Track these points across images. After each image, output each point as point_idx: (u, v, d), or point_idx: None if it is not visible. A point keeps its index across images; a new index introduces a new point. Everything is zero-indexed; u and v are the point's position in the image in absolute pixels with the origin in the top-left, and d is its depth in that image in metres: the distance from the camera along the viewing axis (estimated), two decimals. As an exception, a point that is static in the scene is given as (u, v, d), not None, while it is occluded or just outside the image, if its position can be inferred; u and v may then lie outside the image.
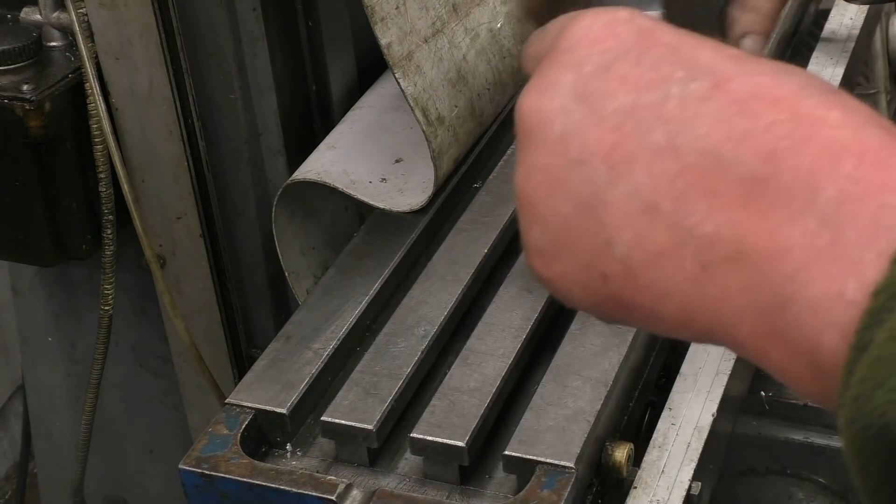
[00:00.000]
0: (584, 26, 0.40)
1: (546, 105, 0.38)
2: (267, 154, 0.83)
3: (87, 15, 0.71)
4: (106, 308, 0.83)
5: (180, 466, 0.56)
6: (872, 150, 0.33)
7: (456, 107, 0.75)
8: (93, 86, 0.73)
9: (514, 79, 0.84)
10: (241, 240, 0.85)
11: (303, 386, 0.60)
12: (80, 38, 0.71)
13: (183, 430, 0.93)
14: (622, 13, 0.40)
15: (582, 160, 0.38)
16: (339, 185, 0.73)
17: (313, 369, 0.62)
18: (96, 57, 0.73)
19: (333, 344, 0.63)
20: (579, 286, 0.40)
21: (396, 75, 0.69)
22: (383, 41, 0.68)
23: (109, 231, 0.79)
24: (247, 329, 0.88)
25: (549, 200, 0.39)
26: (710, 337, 0.37)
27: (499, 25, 0.82)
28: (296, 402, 0.59)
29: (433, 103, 0.72)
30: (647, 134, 0.36)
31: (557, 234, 0.39)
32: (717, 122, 0.35)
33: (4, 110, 0.71)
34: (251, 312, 0.89)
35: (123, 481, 1.06)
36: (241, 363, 0.88)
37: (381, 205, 0.73)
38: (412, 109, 0.70)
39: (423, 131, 0.71)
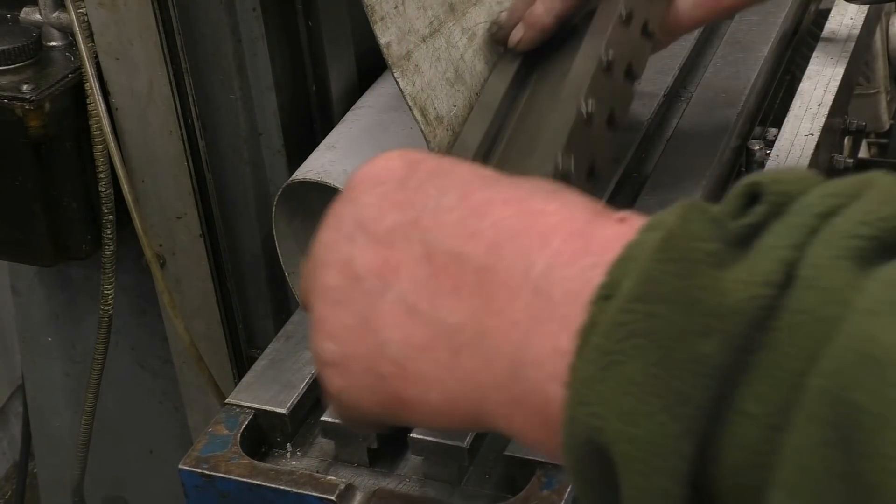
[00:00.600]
0: (365, 169, 0.47)
1: (333, 235, 0.45)
2: (267, 154, 0.83)
3: (86, 15, 0.72)
4: (106, 308, 0.84)
5: (180, 467, 0.56)
6: (577, 227, 0.39)
7: (454, 106, 0.76)
8: (93, 86, 0.73)
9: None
10: (242, 240, 0.86)
11: (303, 386, 0.61)
12: (79, 38, 0.72)
13: (183, 430, 0.94)
14: (395, 153, 0.48)
15: (361, 277, 0.44)
16: (339, 185, 0.73)
17: (313, 369, 0.61)
18: (96, 57, 0.73)
19: None
20: (365, 390, 0.44)
21: (395, 74, 0.70)
22: (382, 40, 0.69)
23: (109, 231, 0.79)
24: (247, 329, 0.89)
25: (337, 316, 0.44)
26: (475, 421, 0.43)
27: (497, 26, 0.82)
28: (295, 402, 0.60)
29: (431, 102, 0.73)
30: (409, 246, 0.43)
31: (345, 345, 0.44)
32: (459, 226, 0.42)
33: (4, 110, 0.72)
34: (251, 312, 0.89)
35: (123, 481, 1.06)
36: (241, 363, 0.88)
37: None
38: (410, 109, 0.70)
39: (422, 131, 0.71)
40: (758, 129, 0.86)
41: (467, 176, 0.45)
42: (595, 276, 0.36)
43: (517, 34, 0.78)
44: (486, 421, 0.42)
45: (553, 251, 0.39)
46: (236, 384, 0.70)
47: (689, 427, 0.33)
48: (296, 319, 0.68)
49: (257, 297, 0.88)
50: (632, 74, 0.71)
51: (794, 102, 0.86)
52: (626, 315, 0.34)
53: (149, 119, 0.76)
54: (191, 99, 0.76)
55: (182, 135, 0.76)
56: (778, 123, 0.84)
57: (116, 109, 0.76)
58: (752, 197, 0.36)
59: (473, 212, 0.42)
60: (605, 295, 0.35)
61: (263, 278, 0.86)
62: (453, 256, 0.42)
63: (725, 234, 0.35)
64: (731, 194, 0.36)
